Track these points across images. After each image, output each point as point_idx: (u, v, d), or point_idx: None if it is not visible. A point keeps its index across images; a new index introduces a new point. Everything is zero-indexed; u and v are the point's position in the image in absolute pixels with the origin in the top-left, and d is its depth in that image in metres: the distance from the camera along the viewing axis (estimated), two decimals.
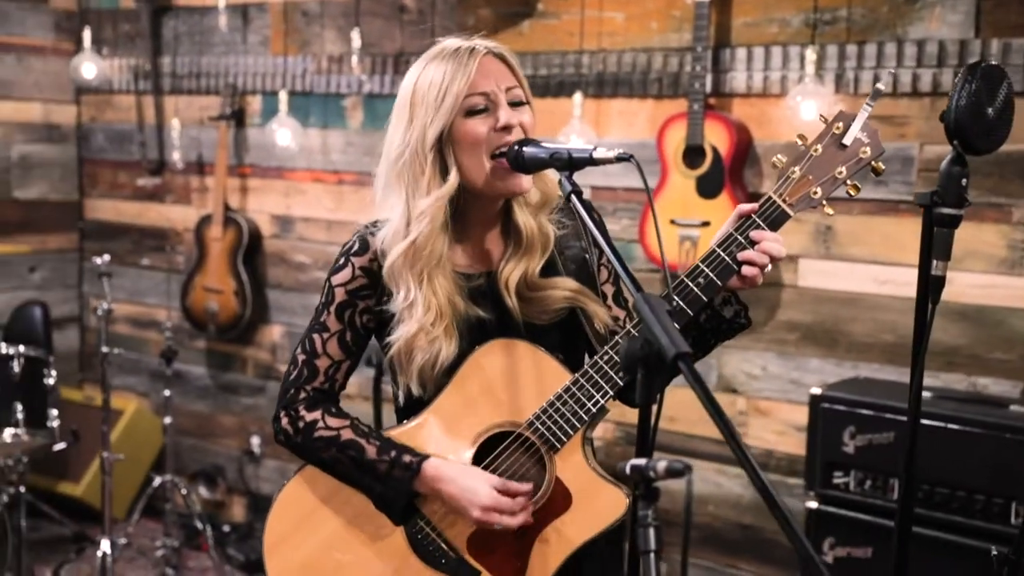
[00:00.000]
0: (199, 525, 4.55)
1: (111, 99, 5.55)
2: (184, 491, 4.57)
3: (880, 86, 1.84)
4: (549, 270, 2.04)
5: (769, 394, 3.79)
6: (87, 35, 5.33)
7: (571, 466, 1.95)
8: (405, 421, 2.06)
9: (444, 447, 2.00)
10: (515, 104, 1.95)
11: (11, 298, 5.25)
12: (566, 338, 2.03)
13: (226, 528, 4.89)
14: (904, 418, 3.04)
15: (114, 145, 5.57)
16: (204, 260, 5.04)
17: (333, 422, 2.04)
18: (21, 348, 3.96)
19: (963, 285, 3.42)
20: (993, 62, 1.72)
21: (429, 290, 1.95)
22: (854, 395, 3.23)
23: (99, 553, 3.98)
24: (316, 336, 2.06)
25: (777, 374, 3.76)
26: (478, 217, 2.02)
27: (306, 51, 4.82)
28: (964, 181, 1.77)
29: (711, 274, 1.88)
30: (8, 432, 3.86)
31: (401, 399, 2.06)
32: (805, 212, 3.50)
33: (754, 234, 1.87)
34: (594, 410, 1.92)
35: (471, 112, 1.92)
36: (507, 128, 1.91)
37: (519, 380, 1.97)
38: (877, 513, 3.13)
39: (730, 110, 3.78)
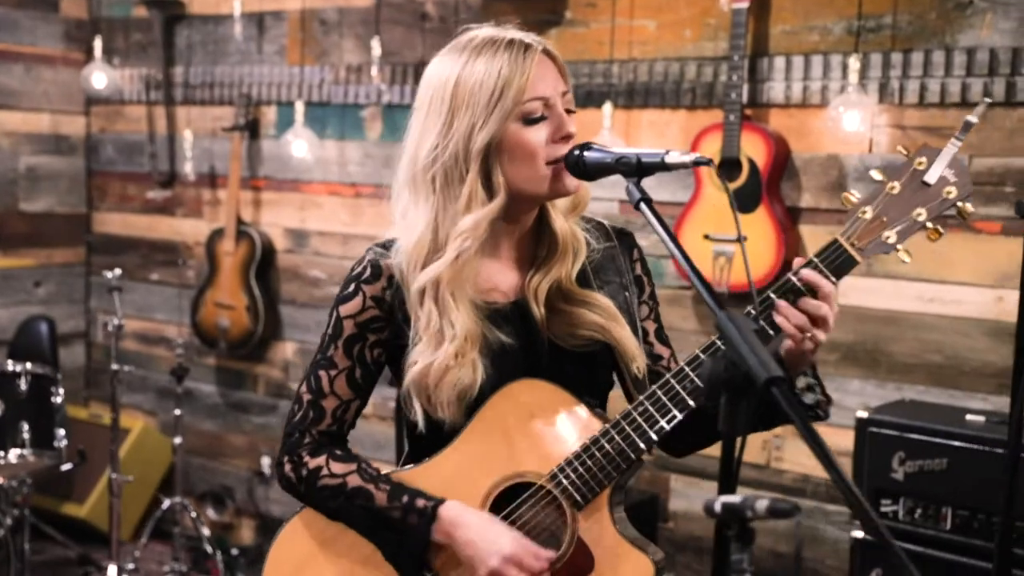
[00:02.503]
0: (208, 549, 4.38)
1: (122, 109, 5.41)
2: (194, 514, 4.41)
3: (971, 118, 1.64)
4: (584, 283, 1.86)
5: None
6: (98, 44, 5.20)
7: (595, 526, 1.75)
8: (412, 464, 1.88)
9: (455, 495, 1.80)
10: (568, 112, 1.78)
11: (16, 313, 5.10)
12: (594, 375, 1.84)
13: (235, 551, 4.72)
14: (959, 443, 2.93)
15: (124, 157, 5.43)
16: (215, 275, 4.89)
17: (338, 468, 1.85)
18: (28, 365, 3.80)
19: (1015, 303, 3.23)
20: None
21: (460, 313, 1.76)
22: (903, 419, 3.07)
23: None
24: (323, 373, 1.87)
25: None
26: (512, 228, 1.84)
27: (324, 60, 4.68)
28: None
29: (761, 321, 1.69)
30: (14, 453, 3.70)
31: (421, 425, 1.83)
32: (837, 225, 3.37)
33: (780, 306, 1.67)
34: (624, 466, 1.73)
35: (528, 119, 1.73)
36: (568, 137, 1.74)
37: (544, 426, 1.77)
38: (928, 544, 2.97)
39: (767, 121, 3.63)
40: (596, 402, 1.83)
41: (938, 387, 3.39)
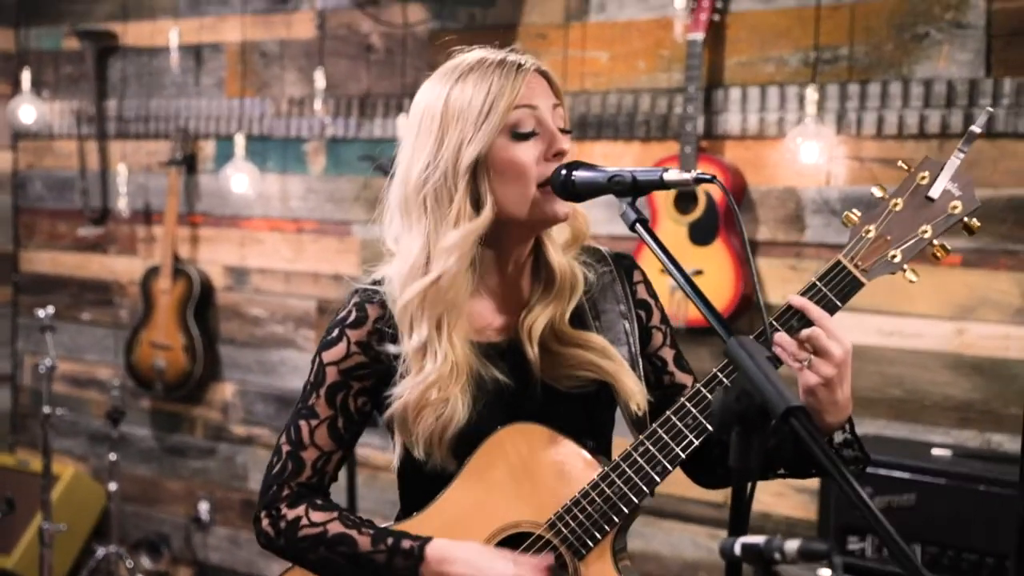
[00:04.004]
0: None
1: (51, 144, 5.22)
2: (130, 564, 4.21)
3: (975, 128, 1.57)
4: (577, 322, 1.76)
5: None
6: (26, 77, 5.03)
7: (597, 574, 1.65)
8: (403, 518, 1.77)
9: None
10: (561, 131, 1.68)
11: None
12: (592, 416, 1.74)
13: None
14: (927, 478, 2.88)
15: (54, 193, 5.24)
16: (151, 314, 4.71)
17: (318, 516, 1.73)
18: None
19: (976, 336, 3.24)
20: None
21: (447, 340, 1.65)
22: (870, 454, 3.00)
23: None
24: (303, 423, 1.75)
25: None
26: (505, 260, 1.74)
27: (264, 93, 4.55)
28: None
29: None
30: None
31: (397, 461, 1.74)
32: (794, 259, 3.33)
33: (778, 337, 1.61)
34: (627, 511, 1.63)
35: (518, 136, 1.64)
36: (560, 154, 1.65)
37: (540, 472, 1.67)
38: None
39: (723, 153, 3.59)
40: (596, 444, 1.72)
41: (899, 421, 3.34)
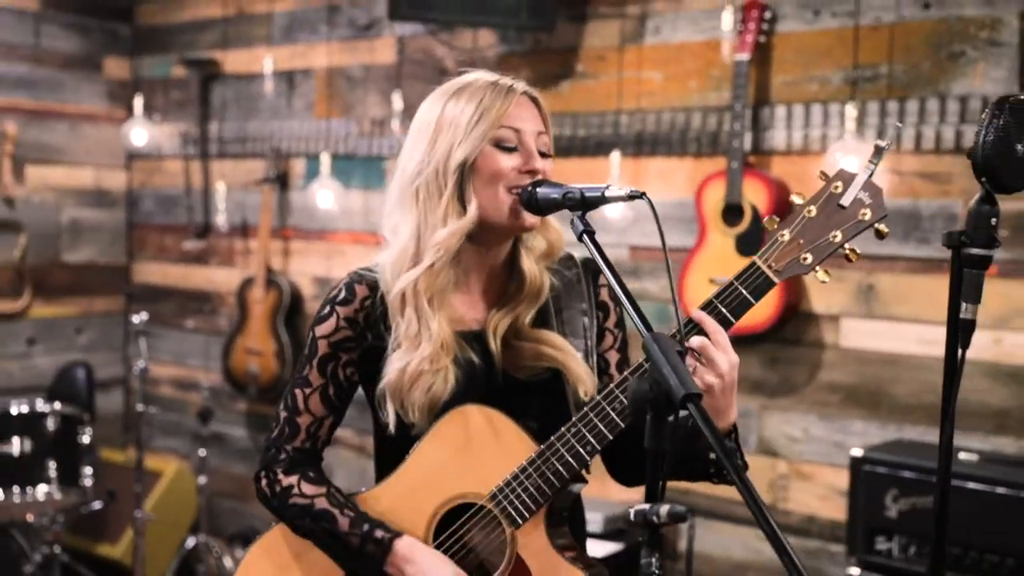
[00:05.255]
0: None
1: (160, 164, 5.63)
2: (217, 552, 4.53)
3: (881, 143, 1.70)
4: (540, 323, 1.96)
5: (811, 457, 3.68)
6: (139, 103, 5.44)
7: (533, 544, 1.85)
8: (376, 483, 1.99)
9: (406, 515, 1.91)
10: (542, 154, 1.89)
11: (58, 359, 5.28)
12: (546, 403, 1.93)
13: None
14: (951, 481, 2.97)
15: (162, 209, 5.65)
16: (246, 322, 5.05)
17: (308, 489, 1.95)
18: (56, 405, 3.96)
19: (1013, 345, 3.31)
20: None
21: (436, 320, 1.87)
22: (896, 457, 3.12)
23: None
24: (298, 391, 1.97)
25: (819, 437, 3.66)
26: (481, 261, 1.95)
27: (349, 115, 4.86)
28: (994, 220, 1.68)
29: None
30: (41, 490, 3.85)
31: (392, 427, 1.92)
32: (837, 268, 3.44)
33: (693, 340, 1.73)
34: (558, 485, 1.82)
35: (499, 145, 1.86)
36: (533, 172, 1.86)
37: (487, 449, 1.87)
38: None
39: (770, 168, 3.73)
40: (543, 427, 1.89)
41: (937, 427, 3.41)
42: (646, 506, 1.33)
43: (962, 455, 3.12)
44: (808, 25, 3.65)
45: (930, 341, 3.46)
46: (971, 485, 2.97)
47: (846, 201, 1.73)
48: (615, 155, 3.96)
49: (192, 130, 5.42)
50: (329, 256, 4.96)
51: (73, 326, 5.59)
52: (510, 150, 1.87)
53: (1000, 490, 2.91)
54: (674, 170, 3.95)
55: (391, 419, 1.91)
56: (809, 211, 1.75)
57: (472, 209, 1.86)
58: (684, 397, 1.40)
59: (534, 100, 1.94)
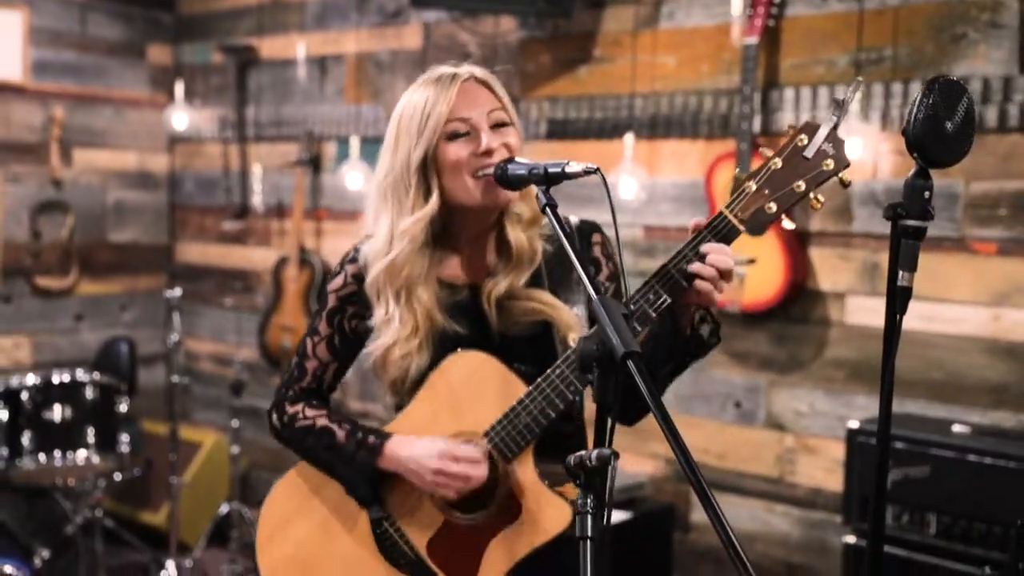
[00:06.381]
0: None
1: (200, 148, 5.83)
2: (250, 520, 4.72)
3: (839, 97, 1.80)
4: (533, 284, 2.10)
5: (817, 431, 3.78)
6: (179, 88, 5.64)
7: (522, 477, 2.01)
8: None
9: None
10: (498, 126, 2.03)
11: (103, 335, 5.52)
12: (540, 352, 2.07)
13: None
14: (942, 452, 3.07)
15: (202, 191, 5.85)
16: (280, 299, 5.24)
17: (311, 412, 2.17)
18: (95, 375, 4.17)
19: (1012, 322, 3.39)
20: (954, 77, 1.74)
21: (407, 307, 2.04)
22: (893, 429, 3.21)
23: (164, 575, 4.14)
24: (308, 340, 2.20)
25: (825, 411, 3.76)
26: (469, 231, 2.10)
27: (377, 99, 5.02)
28: (927, 194, 1.78)
29: (661, 290, 1.89)
30: (81, 455, 4.07)
31: (389, 401, 2.17)
32: (843, 248, 3.49)
33: (703, 247, 1.87)
34: (545, 423, 1.97)
35: (453, 136, 2.00)
36: (489, 152, 1.99)
37: (482, 392, 2.04)
38: (914, 548, 3.11)
39: (774, 149, 3.81)
40: (536, 371, 2.02)
41: (938, 402, 3.52)
42: (582, 452, 1.46)
43: (955, 428, 3.20)
44: (816, 9, 3.74)
45: (931, 318, 3.54)
46: (961, 456, 3.06)
47: (810, 152, 1.83)
48: (629, 137, 4.07)
49: (230, 114, 5.61)
50: (359, 236, 5.10)
51: (118, 303, 5.81)
52: (463, 135, 2.01)
53: (988, 460, 3.00)
54: (686, 152, 4.06)
55: (385, 396, 2.15)
56: (775, 163, 1.85)
57: (434, 198, 2.02)
58: (624, 354, 1.53)
59: (481, 81, 2.07)
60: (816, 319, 3.78)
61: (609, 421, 1.61)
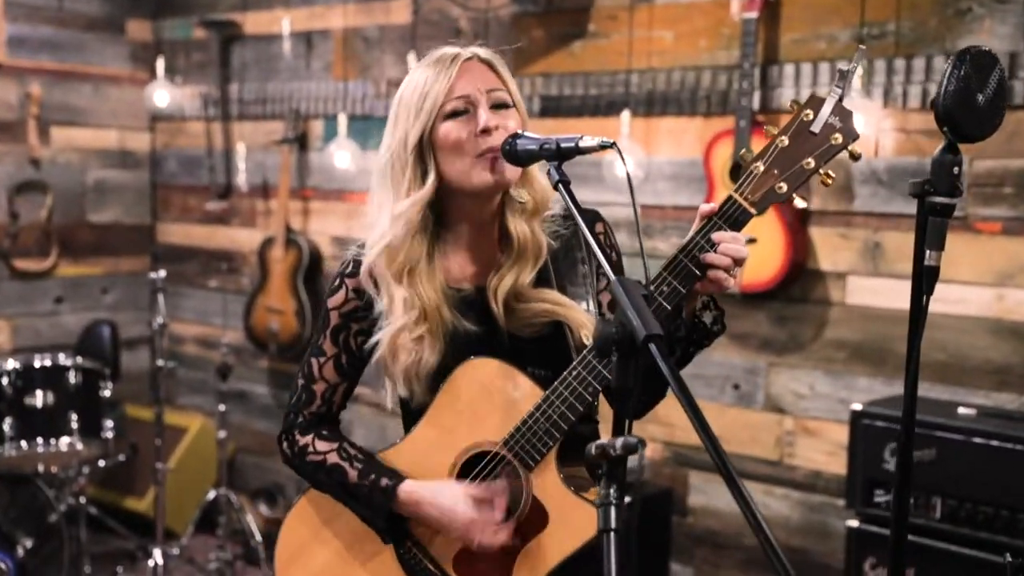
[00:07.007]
0: (253, 540, 4.61)
1: (183, 126, 5.71)
2: (237, 506, 4.64)
3: (844, 66, 1.72)
4: (540, 282, 2.01)
5: (817, 413, 3.72)
6: (161, 64, 5.52)
7: (546, 484, 1.92)
8: (396, 443, 2.07)
9: (426, 469, 1.99)
10: (499, 106, 1.93)
11: (84, 318, 5.41)
12: (551, 353, 1.99)
13: None
14: (947, 435, 3.02)
15: (185, 170, 5.73)
16: (266, 281, 5.14)
17: (321, 446, 2.06)
18: (78, 359, 4.07)
19: (1015, 302, 3.33)
20: (985, 48, 1.67)
21: (410, 289, 1.94)
22: (895, 411, 3.14)
23: (151, 564, 4.05)
24: (314, 361, 2.08)
25: (825, 393, 3.70)
26: (469, 222, 2.00)
27: (366, 75, 4.91)
28: (956, 170, 1.70)
29: (674, 281, 1.81)
30: (64, 441, 3.97)
31: (389, 403, 2.06)
32: (844, 227, 3.42)
33: (714, 236, 1.79)
34: (565, 427, 1.88)
35: (451, 115, 1.91)
36: (487, 131, 1.90)
37: (497, 399, 1.94)
38: (919, 532, 3.05)
39: (778, 127, 3.74)
40: (551, 375, 1.93)
41: (942, 384, 3.46)
42: (605, 440, 1.38)
43: (961, 410, 3.15)
44: None
45: (936, 298, 3.42)
46: (967, 439, 3.00)
47: (817, 127, 1.75)
48: (625, 114, 3.98)
49: (213, 91, 5.49)
50: (347, 216, 5.02)
51: (99, 285, 5.70)
52: (462, 114, 1.92)
53: (995, 443, 2.95)
54: (684, 129, 3.98)
55: (388, 394, 2.04)
56: (781, 140, 1.77)
57: (430, 179, 1.92)
58: (646, 337, 1.45)
59: (483, 60, 1.98)
60: (816, 299, 3.71)
61: (628, 407, 1.53)
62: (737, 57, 3.78)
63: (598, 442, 1.41)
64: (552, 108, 4.26)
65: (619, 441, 1.35)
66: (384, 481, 1.98)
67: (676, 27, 3.97)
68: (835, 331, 3.68)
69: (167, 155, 5.83)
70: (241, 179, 5.37)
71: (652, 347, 1.45)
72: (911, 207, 3.49)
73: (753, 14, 3.65)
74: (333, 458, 2.04)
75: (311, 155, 5.15)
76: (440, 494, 1.95)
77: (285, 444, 2.12)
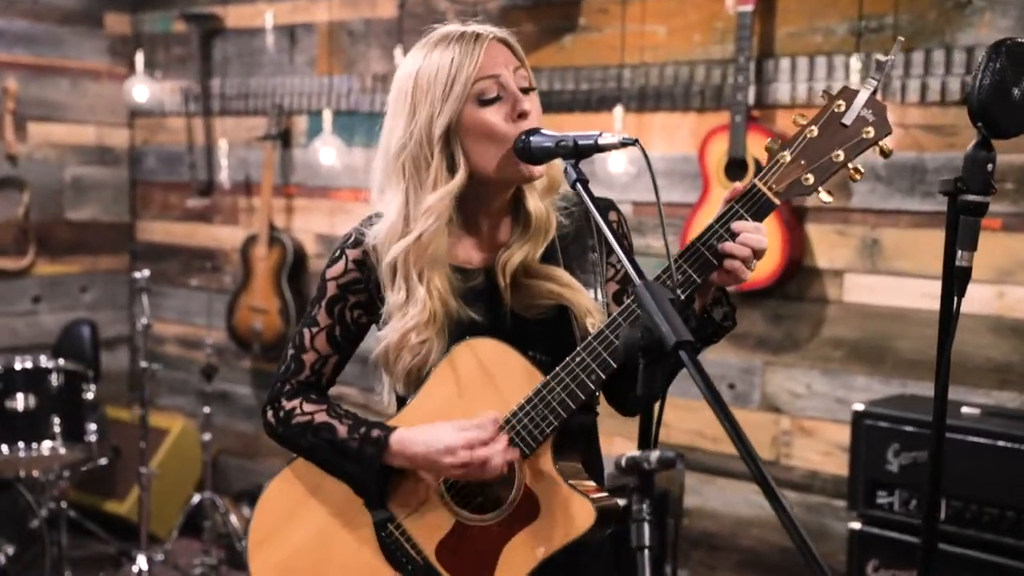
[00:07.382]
0: (238, 545, 4.52)
1: (163, 121, 5.60)
2: (222, 509, 4.55)
3: (882, 57, 1.66)
4: (548, 259, 1.94)
5: (814, 413, 3.67)
6: (140, 59, 5.41)
7: (540, 473, 1.85)
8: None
9: None
10: (524, 90, 1.85)
11: (62, 318, 5.30)
12: (555, 338, 1.92)
13: None
14: (951, 435, 2.96)
15: (165, 167, 5.62)
16: (249, 279, 5.05)
17: (309, 407, 1.98)
18: (60, 362, 3.97)
19: (1016, 299, 3.29)
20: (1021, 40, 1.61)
21: (426, 290, 1.86)
22: (898, 411, 3.11)
23: (135, 569, 3.96)
24: (306, 331, 2.00)
25: (822, 392, 3.65)
26: (487, 208, 1.92)
27: (351, 70, 4.82)
28: (990, 167, 1.65)
29: (689, 269, 1.75)
30: (46, 445, 3.87)
31: (386, 396, 1.99)
32: (842, 224, 3.39)
33: (735, 225, 1.73)
34: (564, 415, 1.80)
35: (484, 101, 1.82)
36: (524, 115, 1.81)
37: (494, 382, 1.87)
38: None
39: (774, 122, 3.70)
40: (557, 361, 1.85)
41: None
42: (638, 452, 1.32)
43: (964, 410, 3.10)
44: None
45: (934, 296, 3.37)
46: (972, 439, 2.96)
47: (848, 119, 1.68)
48: (618, 110, 3.92)
49: (194, 86, 5.38)
50: (332, 213, 4.94)
51: (78, 284, 5.59)
52: (493, 100, 1.83)
53: (1001, 443, 2.90)
54: (677, 125, 3.92)
55: (385, 391, 1.97)
56: (811, 131, 1.70)
57: (461, 171, 1.83)
58: (676, 344, 1.39)
59: (503, 41, 1.88)
60: (813, 297, 3.66)
61: (656, 415, 1.47)
62: (732, 51, 3.72)
63: (629, 454, 1.34)
64: (542, 104, 4.11)
65: (654, 455, 1.28)
66: (376, 432, 1.90)
67: (669, 21, 3.91)
68: (832, 329, 3.64)
69: (147, 151, 5.72)
70: (223, 176, 5.27)
71: (683, 354, 1.40)
72: (909, 203, 3.47)
73: (748, 7, 3.59)
74: (321, 416, 1.96)
75: (295, 151, 5.07)
76: (428, 429, 1.86)
77: (270, 413, 2.02)
